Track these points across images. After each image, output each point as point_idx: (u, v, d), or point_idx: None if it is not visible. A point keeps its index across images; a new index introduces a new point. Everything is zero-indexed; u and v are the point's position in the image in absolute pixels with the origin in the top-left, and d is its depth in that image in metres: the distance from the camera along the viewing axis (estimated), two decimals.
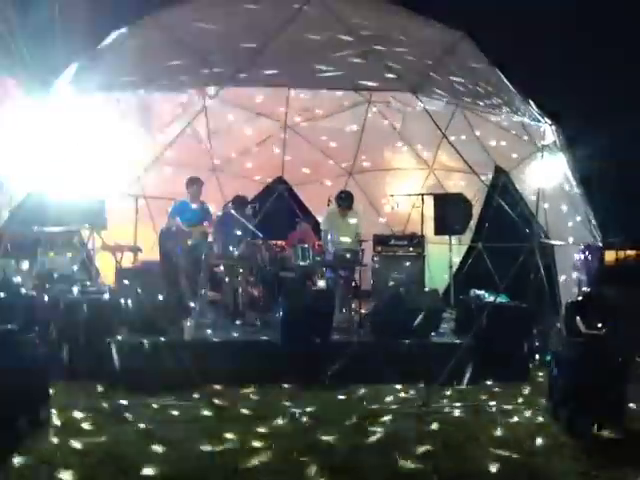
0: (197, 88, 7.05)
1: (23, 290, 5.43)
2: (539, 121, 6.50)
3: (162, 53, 6.29)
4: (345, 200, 7.93)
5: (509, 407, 5.13)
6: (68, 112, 6.26)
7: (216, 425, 4.50)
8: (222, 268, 7.32)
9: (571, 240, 7.05)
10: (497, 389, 5.71)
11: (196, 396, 5.17)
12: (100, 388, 5.33)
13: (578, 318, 4.86)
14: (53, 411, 4.58)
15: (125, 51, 6.46)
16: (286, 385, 5.48)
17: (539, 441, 4.32)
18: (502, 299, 6.34)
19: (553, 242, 6.84)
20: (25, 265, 6.57)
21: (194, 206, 7.68)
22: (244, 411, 4.83)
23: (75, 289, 6.11)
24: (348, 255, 6.95)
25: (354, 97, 8.59)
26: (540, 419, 4.85)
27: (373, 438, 4.32)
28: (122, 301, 5.88)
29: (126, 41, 6.51)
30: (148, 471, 3.64)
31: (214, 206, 8.10)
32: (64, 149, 6.36)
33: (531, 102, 6.74)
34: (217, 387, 5.35)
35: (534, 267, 6.96)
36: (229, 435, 4.25)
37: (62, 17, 9.18)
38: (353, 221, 7.97)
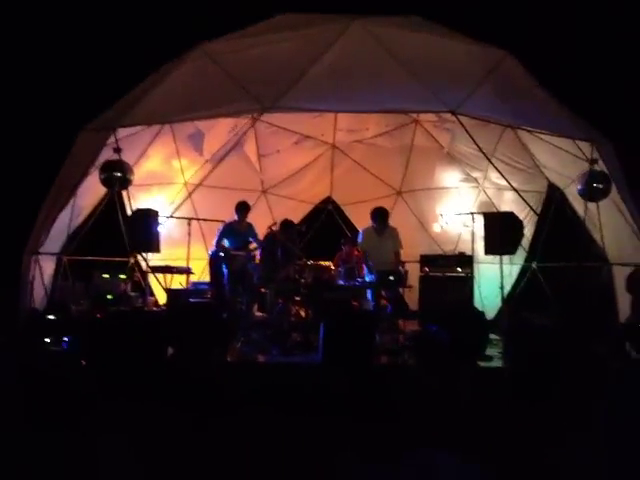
0: (244, 114, 7.26)
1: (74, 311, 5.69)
2: (587, 137, 6.29)
3: (210, 81, 6.50)
4: (377, 217, 7.59)
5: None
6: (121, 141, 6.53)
7: None
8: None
9: (625, 258, 6.74)
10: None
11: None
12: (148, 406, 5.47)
13: (628, 343, 4.63)
14: None
15: (175, 81, 6.71)
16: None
17: None
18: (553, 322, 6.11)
19: (606, 262, 6.56)
20: (81, 287, 6.89)
21: (241, 228, 7.83)
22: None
23: (126, 309, 6.36)
24: (391, 277, 6.87)
25: (401, 117, 8.58)
26: None
27: None
28: (171, 321, 6.05)
29: (175, 71, 6.75)
30: None
31: (263, 228, 8.21)
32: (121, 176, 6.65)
33: (579, 118, 6.53)
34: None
35: (590, 287, 6.72)
36: None
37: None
38: (389, 240, 7.63)
